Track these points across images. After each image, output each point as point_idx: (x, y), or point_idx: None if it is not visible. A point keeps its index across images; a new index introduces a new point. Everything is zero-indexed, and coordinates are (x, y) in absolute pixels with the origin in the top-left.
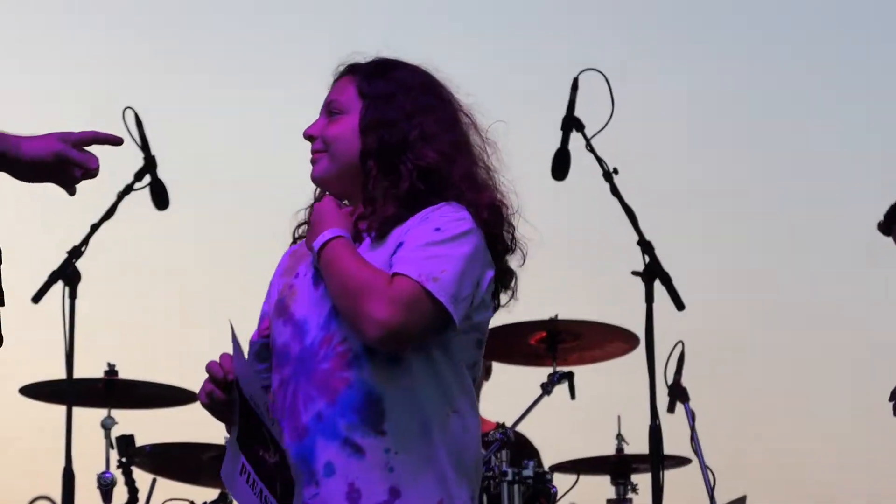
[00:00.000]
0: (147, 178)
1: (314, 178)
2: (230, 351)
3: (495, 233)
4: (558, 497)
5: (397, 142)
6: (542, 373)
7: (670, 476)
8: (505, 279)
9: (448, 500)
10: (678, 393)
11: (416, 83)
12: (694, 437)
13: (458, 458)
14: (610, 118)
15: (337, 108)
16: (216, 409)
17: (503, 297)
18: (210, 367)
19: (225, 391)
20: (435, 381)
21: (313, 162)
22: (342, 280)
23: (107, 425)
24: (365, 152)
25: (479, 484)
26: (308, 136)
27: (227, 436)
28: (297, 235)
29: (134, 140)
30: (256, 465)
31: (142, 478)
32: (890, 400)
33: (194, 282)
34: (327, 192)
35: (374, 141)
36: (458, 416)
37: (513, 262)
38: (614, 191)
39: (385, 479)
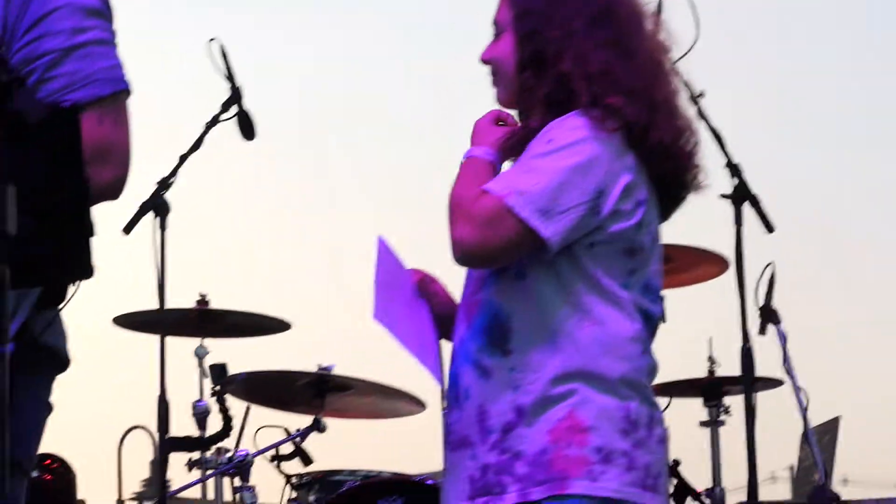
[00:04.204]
0: (234, 109)
1: (499, 103)
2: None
3: (639, 131)
4: None
5: (544, 48)
6: None
7: (763, 398)
8: (667, 186)
9: (577, 409)
10: (769, 314)
11: None
12: (786, 359)
13: (591, 370)
14: (696, 41)
15: (498, 28)
16: None
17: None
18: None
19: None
20: (563, 295)
21: (494, 86)
22: (448, 199)
23: (200, 354)
24: (520, 66)
25: (640, 393)
26: (483, 61)
27: None
28: None
29: (220, 71)
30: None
31: (236, 406)
32: None
33: (282, 212)
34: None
35: (524, 53)
36: (598, 327)
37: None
38: (701, 114)
39: (510, 398)
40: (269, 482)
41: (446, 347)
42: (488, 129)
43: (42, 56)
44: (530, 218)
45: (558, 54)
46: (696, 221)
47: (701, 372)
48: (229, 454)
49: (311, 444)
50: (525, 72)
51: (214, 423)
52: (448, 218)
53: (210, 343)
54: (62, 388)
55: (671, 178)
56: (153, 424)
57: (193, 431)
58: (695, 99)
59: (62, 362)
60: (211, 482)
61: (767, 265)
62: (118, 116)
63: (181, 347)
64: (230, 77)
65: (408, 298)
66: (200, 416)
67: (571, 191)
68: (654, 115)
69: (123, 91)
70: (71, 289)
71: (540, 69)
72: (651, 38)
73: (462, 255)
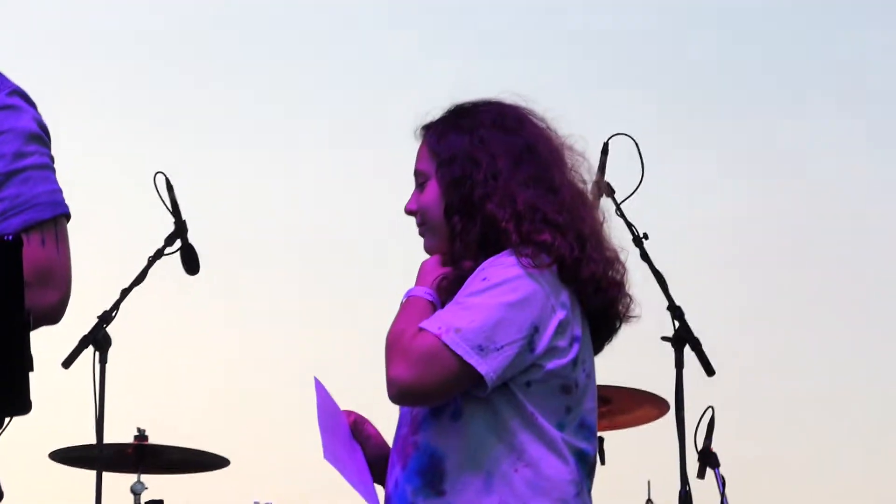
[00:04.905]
0: (178, 243)
1: (428, 252)
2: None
3: (571, 265)
4: None
5: (470, 193)
6: None
7: None
8: (599, 319)
9: None
10: (708, 458)
11: (484, 120)
12: (724, 502)
13: None
14: (640, 183)
15: (421, 178)
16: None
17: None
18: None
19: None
20: (498, 434)
21: (422, 236)
22: (386, 337)
23: (136, 490)
24: (448, 212)
25: None
26: (408, 212)
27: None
28: None
29: (165, 205)
30: None
31: None
32: None
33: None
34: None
35: (452, 199)
36: (531, 469)
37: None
38: (644, 256)
39: None
40: None
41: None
42: (432, 270)
43: None
44: (466, 355)
45: (486, 196)
46: (637, 363)
47: None
48: None
49: None
50: (453, 217)
51: None
52: (385, 356)
53: (147, 479)
54: None
55: (604, 310)
56: None
57: None
58: (639, 240)
59: None
60: None
61: (707, 408)
62: (59, 239)
63: (119, 482)
64: (175, 211)
65: (346, 438)
66: None
67: (507, 327)
68: (583, 247)
69: (63, 215)
70: (5, 422)
71: (468, 213)
72: (572, 170)
73: (398, 393)
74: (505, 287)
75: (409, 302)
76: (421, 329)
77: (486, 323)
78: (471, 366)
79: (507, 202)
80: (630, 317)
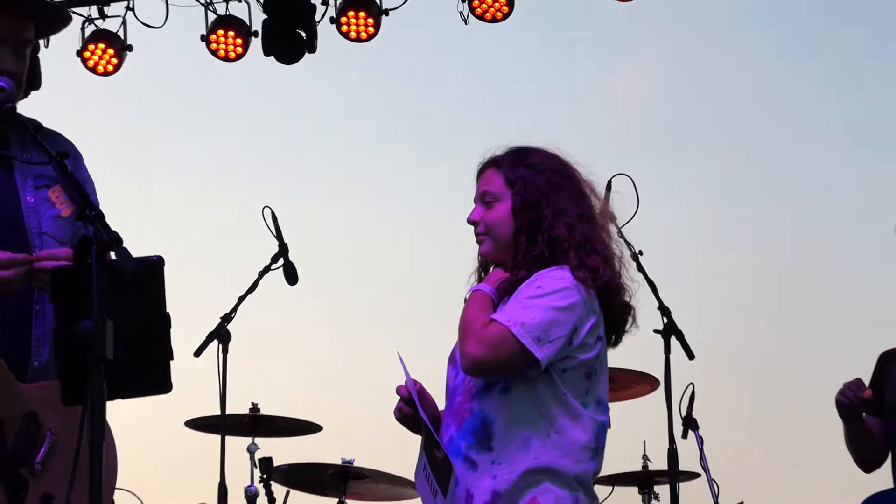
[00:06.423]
0: (281, 261)
1: (482, 255)
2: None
3: (612, 289)
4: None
5: (540, 219)
6: None
7: (684, 487)
8: (614, 322)
9: (540, 497)
10: (690, 423)
11: (548, 166)
12: (702, 457)
13: (553, 468)
14: (636, 212)
15: (491, 198)
16: (405, 421)
17: (615, 337)
18: (399, 390)
19: (410, 407)
20: (537, 408)
21: (479, 242)
22: (460, 321)
23: (251, 450)
24: (517, 232)
25: (585, 489)
26: (471, 221)
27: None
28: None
29: (270, 231)
30: (431, 462)
31: (278, 490)
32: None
33: (317, 340)
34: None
35: (524, 221)
36: (559, 435)
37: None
38: (640, 268)
39: (489, 485)
40: None
41: None
42: (495, 274)
43: None
44: (528, 343)
45: (552, 226)
46: (634, 351)
47: (637, 467)
48: None
49: None
50: (521, 236)
51: None
52: (460, 337)
53: (259, 441)
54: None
55: (621, 318)
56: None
57: None
58: (636, 256)
59: None
60: None
61: (689, 385)
62: None
63: (237, 444)
64: (279, 236)
65: (419, 397)
66: (251, 498)
67: (558, 326)
68: (620, 274)
69: None
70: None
71: (532, 235)
72: (598, 207)
73: (471, 365)
74: (558, 295)
75: (475, 295)
76: (492, 320)
77: (544, 320)
78: (530, 352)
79: (569, 232)
80: (635, 324)
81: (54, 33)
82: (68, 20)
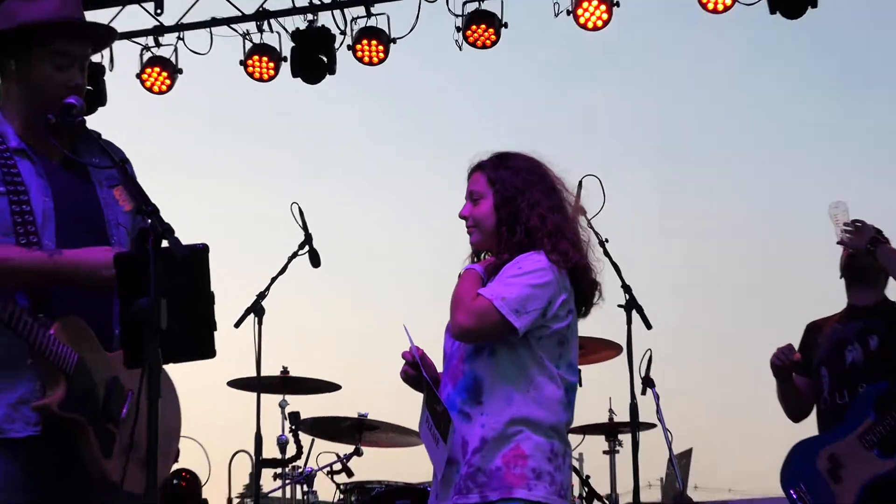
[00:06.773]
0: (306, 248)
1: (472, 244)
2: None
3: (580, 270)
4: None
5: (517, 211)
6: None
7: (644, 436)
8: (583, 298)
9: (521, 443)
10: (648, 382)
11: (524, 167)
12: (658, 410)
13: (532, 419)
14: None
15: (477, 196)
16: (410, 381)
17: (584, 310)
18: (404, 355)
19: (414, 369)
20: (518, 368)
21: (469, 234)
22: (453, 294)
23: (282, 405)
24: (499, 223)
25: (559, 436)
26: (462, 216)
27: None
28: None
29: (297, 223)
30: (433, 415)
31: (305, 439)
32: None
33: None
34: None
35: (504, 214)
36: (537, 391)
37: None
38: (606, 253)
39: (479, 433)
40: (325, 488)
41: None
42: (488, 259)
43: None
44: (508, 315)
45: (528, 217)
46: (602, 321)
47: (604, 419)
48: (300, 470)
49: (353, 464)
50: (502, 227)
51: (291, 450)
52: (452, 308)
53: (289, 398)
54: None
55: (590, 292)
56: (252, 449)
57: (277, 455)
58: (602, 243)
59: None
60: (288, 488)
61: (647, 350)
62: None
63: (271, 400)
64: (305, 227)
65: (422, 362)
66: (282, 445)
67: (533, 300)
68: (586, 256)
69: None
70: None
71: (512, 225)
72: (570, 200)
73: (461, 333)
74: (534, 275)
75: (468, 273)
76: (479, 294)
77: (521, 295)
78: (510, 322)
79: (542, 222)
80: (601, 298)
81: (103, 49)
82: (116, 36)
